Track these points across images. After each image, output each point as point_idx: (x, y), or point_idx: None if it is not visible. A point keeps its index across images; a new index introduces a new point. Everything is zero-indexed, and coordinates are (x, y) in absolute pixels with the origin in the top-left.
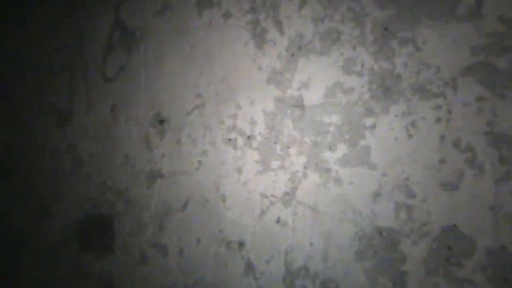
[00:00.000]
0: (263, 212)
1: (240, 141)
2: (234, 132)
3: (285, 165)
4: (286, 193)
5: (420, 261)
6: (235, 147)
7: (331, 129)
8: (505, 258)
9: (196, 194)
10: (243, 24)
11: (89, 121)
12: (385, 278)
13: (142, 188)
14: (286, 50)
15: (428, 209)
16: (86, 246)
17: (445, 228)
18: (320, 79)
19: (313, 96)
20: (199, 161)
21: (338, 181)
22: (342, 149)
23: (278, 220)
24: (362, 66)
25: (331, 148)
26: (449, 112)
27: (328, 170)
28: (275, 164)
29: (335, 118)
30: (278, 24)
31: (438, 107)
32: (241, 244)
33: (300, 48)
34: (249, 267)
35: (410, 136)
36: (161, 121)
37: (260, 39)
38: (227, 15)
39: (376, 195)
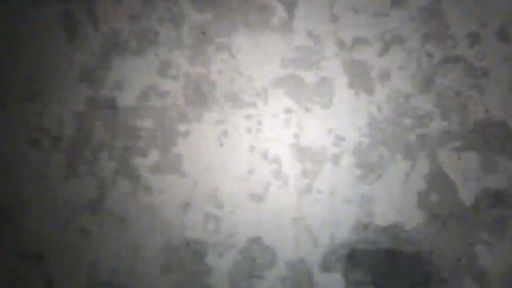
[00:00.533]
0: (67, 221)
1: (46, 143)
2: (39, 132)
3: (94, 170)
4: (93, 201)
5: (225, 274)
6: (39, 149)
7: (144, 134)
8: (302, 270)
9: None
10: (54, 13)
11: None
12: None
13: None
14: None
15: (235, 220)
16: None
17: (251, 240)
18: (134, 80)
19: (127, 98)
20: None
21: (148, 189)
22: (154, 155)
23: (82, 230)
24: (178, 70)
25: (143, 154)
26: (259, 123)
27: (138, 177)
28: (83, 169)
29: (148, 123)
30: (93, 18)
31: (249, 117)
32: (41, 257)
33: (114, 46)
34: (49, 284)
35: (221, 145)
36: None
37: (72, 32)
38: (36, 2)
39: (186, 205)
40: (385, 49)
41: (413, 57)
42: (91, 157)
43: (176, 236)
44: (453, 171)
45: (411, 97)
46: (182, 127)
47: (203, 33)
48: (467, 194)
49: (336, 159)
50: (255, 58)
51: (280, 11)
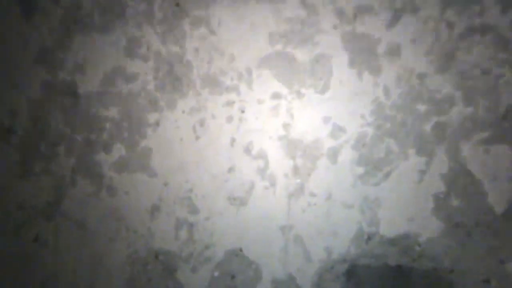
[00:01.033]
0: (19, 228)
1: None
2: None
3: (51, 168)
4: (49, 204)
5: None
6: None
7: (108, 125)
8: None
9: None
10: None
11: None
12: None
13: None
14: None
15: (212, 228)
16: None
17: (230, 252)
18: (98, 62)
19: (89, 83)
20: None
21: (112, 190)
22: (119, 150)
23: (36, 239)
24: (148, 48)
25: (106, 148)
26: (242, 111)
27: (101, 176)
28: (38, 166)
29: (113, 111)
30: None
31: (230, 104)
32: None
33: (76, 21)
34: None
35: (197, 137)
36: None
37: (27, 6)
38: None
39: (155, 209)
40: (394, 19)
41: (429, 28)
42: (48, 153)
43: (143, 247)
44: (480, 169)
45: (427, 77)
46: (151, 117)
47: (177, 4)
48: (497, 198)
49: (333, 155)
50: (237, 34)
51: None
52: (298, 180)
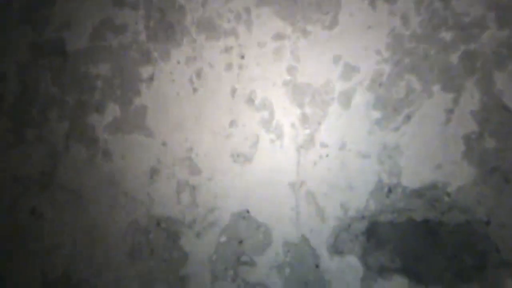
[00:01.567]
0: (14, 201)
1: None
2: None
3: (43, 134)
4: (43, 174)
5: (205, 260)
6: None
7: (99, 83)
8: (306, 253)
9: None
10: None
11: None
12: (163, 285)
13: None
14: None
15: (215, 189)
16: None
17: (236, 215)
18: (85, 15)
19: (77, 39)
20: None
21: (107, 154)
22: (112, 110)
23: (33, 211)
24: None
25: (99, 109)
26: (242, 57)
27: (95, 140)
28: (30, 133)
29: (104, 68)
30: None
31: (228, 50)
32: None
33: None
34: None
35: (195, 90)
36: None
37: None
38: None
39: (154, 173)
40: None
41: None
42: (39, 118)
43: (143, 214)
44: None
45: None
46: (145, 71)
47: None
48: None
49: (346, 98)
50: None
51: None
52: (308, 130)
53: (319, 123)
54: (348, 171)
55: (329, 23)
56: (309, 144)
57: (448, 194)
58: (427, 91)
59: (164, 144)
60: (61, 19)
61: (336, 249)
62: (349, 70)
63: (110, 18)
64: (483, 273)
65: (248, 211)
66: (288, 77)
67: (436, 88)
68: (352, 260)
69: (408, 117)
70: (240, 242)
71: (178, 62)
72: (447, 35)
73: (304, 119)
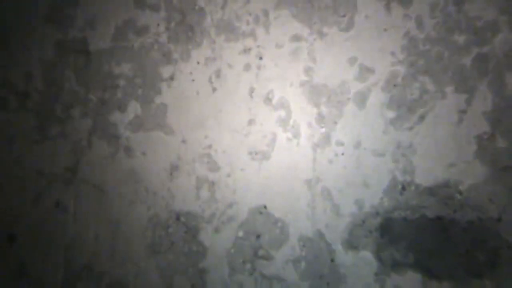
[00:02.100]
0: (39, 195)
1: (12, 101)
2: (3, 89)
3: (67, 131)
4: (67, 169)
5: (223, 254)
6: (5, 109)
7: (121, 82)
8: (321, 248)
9: None
10: None
11: None
12: (182, 278)
13: None
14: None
15: (234, 185)
16: None
17: (254, 210)
18: (108, 16)
19: (100, 39)
20: None
21: (129, 151)
22: (134, 108)
23: (57, 205)
24: None
25: (121, 107)
26: (260, 58)
27: (117, 137)
28: (55, 130)
29: (126, 68)
30: None
31: (247, 51)
32: (11, 239)
33: None
34: (22, 268)
35: (214, 89)
36: None
37: None
38: None
39: (174, 169)
40: None
41: None
42: (63, 115)
43: (163, 209)
44: None
45: (466, 2)
46: (165, 71)
47: None
48: None
49: (362, 99)
50: None
51: None
52: (324, 129)
53: (335, 123)
54: (363, 169)
55: (345, 25)
56: (325, 143)
57: (460, 192)
58: (441, 92)
59: (184, 141)
60: (85, 20)
61: (351, 244)
62: (365, 71)
63: (132, 19)
64: (495, 269)
65: (265, 207)
66: (305, 78)
67: (449, 89)
68: (366, 255)
69: (422, 117)
70: (258, 236)
71: (198, 63)
72: (460, 38)
73: (320, 118)
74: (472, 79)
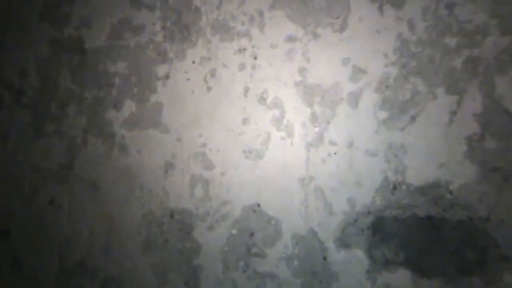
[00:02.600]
0: (34, 192)
1: (7, 97)
2: None
3: (62, 128)
4: (62, 166)
5: (217, 252)
6: (0, 106)
7: (117, 80)
8: (314, 246)
9: None
10: None
11: None
12: (176, 275)
13: None
14: None
15: (228, 184)
16: None
17: (247, 208)
18: (103, 15)
19: (95, 37)
20: None
21: (124, 148)
22: (129, 106)
23: (52, 201)
24: None
25: (117, 105)
26: (255, 58)
27: (112, 135)
28: (50, 127)
29: (121, 66)
30: None
31: (242, 51)
32: (6, 235)
33: None
34: (16, 264)
35: (209, 88)
36: None
37: None
38: None
39: (168, 167)
40: None
41: None
42: (59, 113)
43: (158, 206)
44: None
45: (457, 6)
46: (161, 69)
47: None
48: None
49: (354, 99)
50: None
51: None
52: (317, 129)
53: (328, 122)
54: (356, 168)
55: (339, 27)
56: (318, 142)
57: (451, 192)
58: (432, 93)
59: (179, 139)
60: (80, 18)
61: (343, 242)
62: (358, 72)
63: (128, 18)
64: (483, 267)
65: (259, 205)
66: (299, 78)
67: (440, 90)
68: (358, 253)
69: (413, 118)
70: (251, 234)
71: (193, 62)
72: (451, 41)
73: (314, 118)
74: (463, 81)
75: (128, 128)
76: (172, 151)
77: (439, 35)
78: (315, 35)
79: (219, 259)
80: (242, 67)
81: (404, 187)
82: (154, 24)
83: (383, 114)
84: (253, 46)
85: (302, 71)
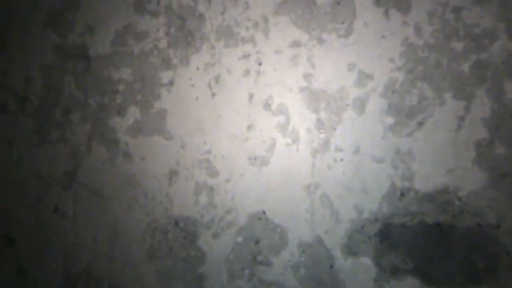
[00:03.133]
0: (38, 199)
1: (11, 104)
2: (3, 93)
3: (66, 135)
4: (66, 173)
5: (221, 260)
6: (4, 113)
7: (121, 87)
8: (320, 254)
9: None
10: None
11: None
12: (180, 283)
13: None
14: None
15: (233, 191)
16: None
17: (253, 216)
18: (107, 21)
19: (100, 44)
20: None
21: (127, 156)
22: (133, 113)
23: (56, 209)
24: (158, 3)
25: (121, 112)
26: (259, 63)
27: (116, 142)
28: (54, 134)
29: (125, 73)
30: None
31: (246, 56)
32: (10, 242)
33: None
34: (20, 272)
35: (213, 95)
36: None
37: None
38: None
39: (173, 174)
40: None
41: None
42: (63, 120)
43: (162, 214)
44: None
45: (464, 10)
46: (165, 76)
47: None
48: None
49: (360, 105)
50: None
51: None
52: (323, 135)
53: (334, 128)
54: (362, 175)
55: (344, 32)
56: (324, 149)
57: (459, 198)
58: (439, 98)
59: (183, 146)
60: (84, 25)
61: (350, 250)
62: (363, 78)
63: (132, 24)
64: (494, 275)
65: (264, 212)
66: (304, 84)
67: (447, 96)
68: (366, 261)
69: (421, 124)
70: (257, 242)
71: (198, 68)
72: (458, 45)
73: (320, 124)
74: (471, 86)
75: (132, 135)
76: (176, 158)
77: (446, 40)
78: (320, 41)
79: (224, 267)
80: (246, 73)
81: (412, 193)
82: (158, 30)
83: (390, 120)
84: (257, 52)
85: (307, 76)
